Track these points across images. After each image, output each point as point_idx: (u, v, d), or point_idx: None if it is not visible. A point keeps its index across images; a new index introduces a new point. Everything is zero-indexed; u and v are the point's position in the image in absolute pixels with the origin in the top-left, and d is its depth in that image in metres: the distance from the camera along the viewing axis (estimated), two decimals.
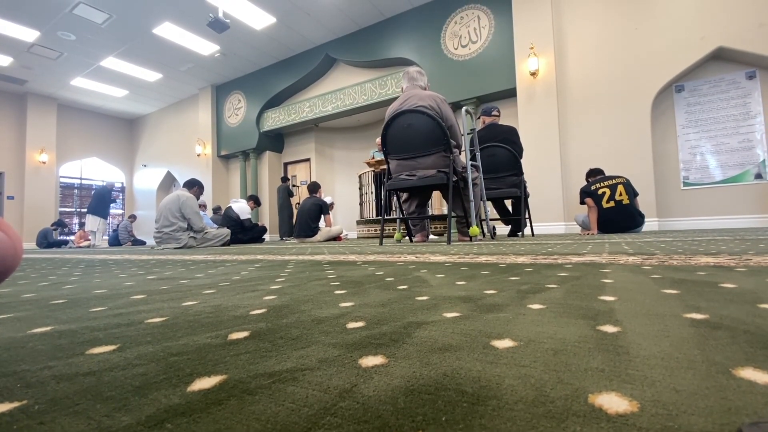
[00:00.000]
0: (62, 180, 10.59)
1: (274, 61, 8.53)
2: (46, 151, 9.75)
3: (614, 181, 3.79)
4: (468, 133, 3.21)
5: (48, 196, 9.83)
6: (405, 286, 0.75)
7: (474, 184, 3.01)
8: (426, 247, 2.21)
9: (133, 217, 9.87)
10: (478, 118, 4.24)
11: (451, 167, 2.68)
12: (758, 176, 4.61)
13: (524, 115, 5.50)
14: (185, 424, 0.22)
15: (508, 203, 4.28)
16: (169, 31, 7.08)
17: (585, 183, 4.13)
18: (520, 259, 1.22)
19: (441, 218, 4.90)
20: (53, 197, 9.94)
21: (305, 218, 5.53)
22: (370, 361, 0.32)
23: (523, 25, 5.54)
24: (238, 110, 9.31)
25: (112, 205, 8.83)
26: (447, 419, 0.21)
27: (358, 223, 6.18)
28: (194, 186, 4.64)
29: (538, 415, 0.21)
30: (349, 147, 9.32)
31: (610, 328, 0.40)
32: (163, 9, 6.48)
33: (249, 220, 5.97)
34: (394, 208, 4.83)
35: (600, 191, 3.78)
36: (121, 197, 11.86)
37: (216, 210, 7.92)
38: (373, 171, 5.75)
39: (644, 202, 4.42)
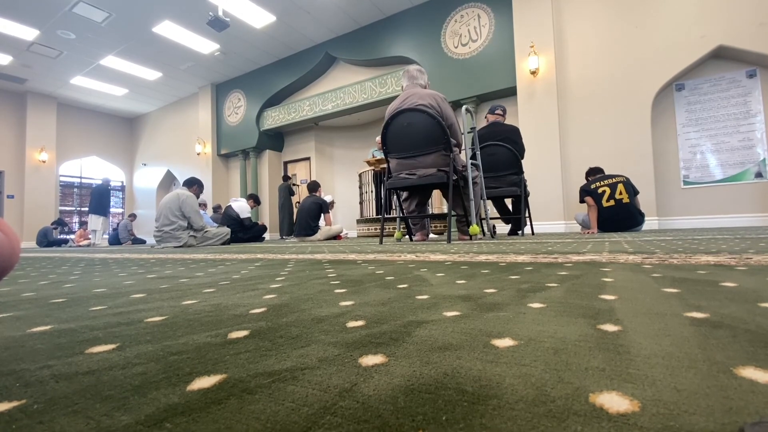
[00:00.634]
0: (62, 179, 10.59)
1: (274, 59, 8.52)
2: (46, 149, 9.74)
3: (614, 180, 3.79)
4: (468, 132, 3.21)
5: (48, 194, 9.82)
6: (405, 285, 0.75)
7: (474, 183, 3.01)
8: (426, 246, 2.21)
9: (133, 216, 9.87)
10: (486, 116, 4.23)
11: (451, 166, 2.67)
12: (758, 175, 4.60)
13: (524, 114, 5.49)
14: (185, 424, 0.22)
15: (508, 202, 4.28)
16: (168, 29, 7.07)
17: (585, 182, 4.13)
18: (520, 258, 1.22)
19: (441, 217, 4.90)
20: (53, 196, 9.94)
21: (305, 217, 5.53)
22: (370, 360, 0.32)
23: (523, 23, 5.53)
24: (238, 109, 9.30)
25: (112, 200, 8.82)
26: (447, 418, 0.21)
27: (358, 222, 6.18)
28: (194, 185, 4.64)
29: (538, 415, 0.21)
30: (349, 146, 9.32)
31: (610, 327, 0.39)
32: (163, 7, 6.47)
33: (249, 219, 5.97)
34: (394, 207, 4.83)
35: (600, 190, 3.78)
36: (120, 195, 11.86)
37: (216, 209, 7.92)
38: (373, 170, 5.74)
39: (644, 201, 4.41)
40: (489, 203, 3.80)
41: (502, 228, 5.29)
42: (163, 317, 0.53)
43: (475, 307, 0.52)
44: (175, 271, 1.28)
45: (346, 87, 7.58)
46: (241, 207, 5.94)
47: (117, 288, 0.88)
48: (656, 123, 5.06)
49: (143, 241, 9.38)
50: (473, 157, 3.36)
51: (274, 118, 8.77)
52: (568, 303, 0.52)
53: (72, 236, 9.52)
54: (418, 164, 2.80)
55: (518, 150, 3.81)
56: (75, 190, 11.03)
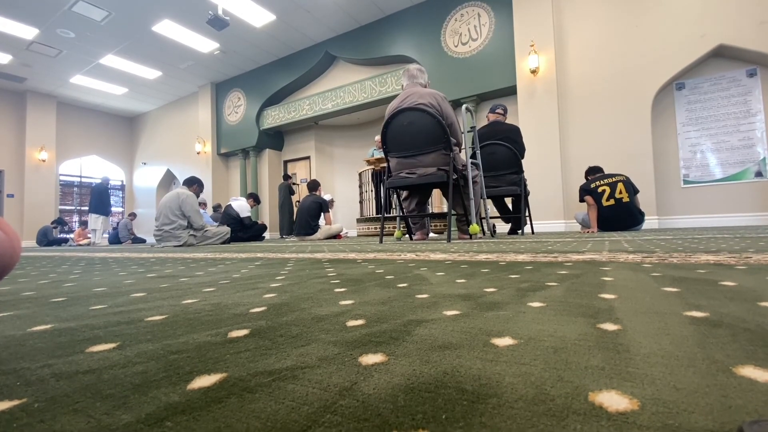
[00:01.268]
0: (62, 178, 10.58)
1: (273, 58, 8.51)
2: (46, 149, 9.74)
3: (614, 179, 3.79)
4: (468, 131, 3.20)
5: (48, 194, 9.82)
6: (405, 284, 0.75)
7: (474, 182, 3.01)
8: (426, 245, 2.21)
9: (133, 215, 9.86)
10: (487, 115, 4.23)
11: (451, 165, 2.67)
12: (758, 174, 4.60)
13: (524, 113, 5.49)
14: (185, 422, 0.22)
15: (508, 201, 4.28)
16: (168, 28, 7.06)
17: (584, 181, 4.13)
18: (520, 257, 1.22)
19: (441, 216, 4.90)
20: (53, 195, 9.94)
21: (305, 216, 5.53)
22: (370, 359, 0.32)
23: (523, 22, 5.52)
24: (237, 108, 9.29)
25: (111, 199, 8.81)
26: (447, 417, 0.21)
27: (358, 221, 6.18)
28: (194, 184, 4.64)
29: (538, 413, 0.21)
30: (349, 145, 9.31)
31: (610, 326, 0.39)
32: (163, 6, 6.46)
33: (249, 218, 5.97)
34: (394, 206, 4.84)
35: (600, 189, 3.78)
36: (120, 195, 11.86)
37: (216, 208, 7.91)
38: (373, 169, 5.74)
39: (644, 200, 4.42)
40: (489, 202, 3.80)
41: (502, 227, 5.29)
42: (164, 316, 0.53)
43: (475, 306, 0.52)
44: (175, 270, 1.28)
45: (346, 86, 7.58)
46: (241, 206, 5.94)
47: (117, 287, 0.88)
48: (656, 122, 5.06)
49: (143, 240, 9.38)
50: (473, 156, 3.36)
51: (274, 117, 8.77)
52: (568, 302, 0.52)
53: (71, 235, 9.52)
54: (418, 163, 2.80)
55: (518, 149, 3.81)
56: (75, 189, 11.03)
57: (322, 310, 0.54)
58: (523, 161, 3.84)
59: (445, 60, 6.27)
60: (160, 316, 0.53)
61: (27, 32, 7.02)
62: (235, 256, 1.90)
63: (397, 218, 3.38)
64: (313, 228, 5.55)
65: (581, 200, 3.93)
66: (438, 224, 5.17)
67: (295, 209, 6.70)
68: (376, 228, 5.69)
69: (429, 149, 2.75)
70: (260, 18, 6.84)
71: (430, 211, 4.10)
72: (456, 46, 6.19)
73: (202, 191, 4.79)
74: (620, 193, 3.71)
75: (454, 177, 2.70)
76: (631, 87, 4.96)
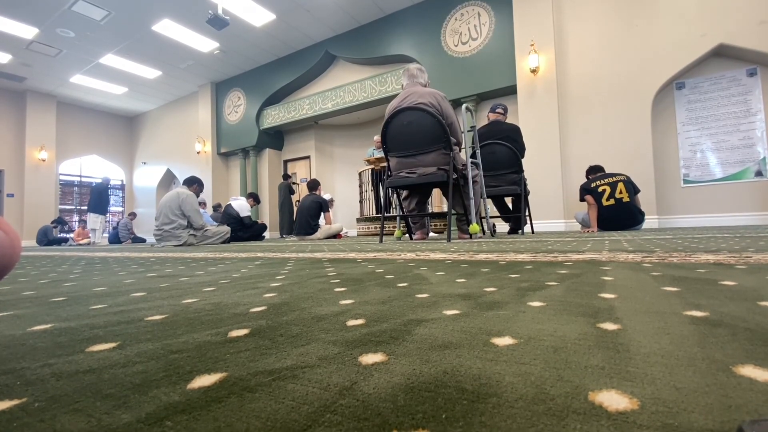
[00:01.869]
0: (62, 177, 10.58)
1: (273, 58, 8.51)
2: (46, 148, 9.74)
3: (615, 179, 3.79)
4: (468, 131, 3.20)
5: (48, 193, 9.82)
6: (405, 284, 0.75)
7: (474, 182, 3.01)
8: (426, 245, 2.21)
9: (133, 215, 9.87)
10: (487, 115, 4.23)
11: (451, 165, 2.67)
12: (758, 174, 4.60)
13: (524, 113, 5.49)
14: (185, 422, 0.22)
15: (508, 201, 4.28)
16: (168, 28, 7.05)
17: (585, 180, 4.13)
18: (520, 257, 1.22)
19: (441, 216, 4.90)
20: (53, 195, 9.94)
21: (305, 216, 5.53)
22: (370, 358, 0.32)
23: (523, 21, 5.52)
24: (237, 107, 9.29)
25: (111, 199, 8.81)
26: (447, 417, 0.21)
27: (358, 220, 6.18)
28: (194, 183, 4.64)
29: (538, 413, 0.21)
30: (349, 144, 9.31)
31: (610, 326, 0.39)
32: (163, 6, 6.46)
33: (249, 217, 5.97)
34: (394, 206, 4.84)
35: (600, 189, 3.78)
36: (120, 194, 11.86)
37: (216, 207, 7.92)
38: (373, 168, 5.74)
39: (644, 200, 4.41)
40: (489, 202, 3.80)
41: (502, 227, 5.29)
42: (164, 316, 0.53)
43: (475, 306, 0.52)
44: (175, 269, 1.28)
45: (346, 85, 7.57)
46: (241, 206, 5.95)
47: (117, 286, 0.88)
48: (656, 121, 5.06)
49: (143, 240, 9.38)
50: (473, 155, 3.36)
51: (274, 117, 8.76)
52: (568, 301, 0.52)
53: (71, 235, 9.52)
54: (418, 163, 2.80)
55: (518, 149, 3.81)
56: (75, 188, 11.03)
57: (322, 309, 0.54)
58: (523, 161, 3.84)
59: (445, 59, 6.27)
60: (160, 316, 0.53)
61: (27, 32, 7.01)
62: (235, 256, 1.90)
63: (397, 218, 3.38)
64: (313, 227, 5.55)
65: (581, 199, 3.93)
66: (438, 224, 5.17)
67: (295, 209, 6.70)
68: (376, 227, 5.69)
69: (429, 149, 2.75)
70: (260, 17, 6.83)
71: (430, 211, 4.10)
72: (456, 46, 6.19)
73: (202, 191, 4.79)
74: (620, 192, 3.71)
75: (454, 176, 2.70)
76: (631, 86, 4.96)
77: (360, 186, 6.29)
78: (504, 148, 3.75)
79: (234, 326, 0.45)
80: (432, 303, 0.55)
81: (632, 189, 3.75)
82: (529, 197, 4.30)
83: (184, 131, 10.41)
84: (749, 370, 0.27)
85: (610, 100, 5.06)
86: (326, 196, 6.27)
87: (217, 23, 6.21)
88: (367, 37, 7.21)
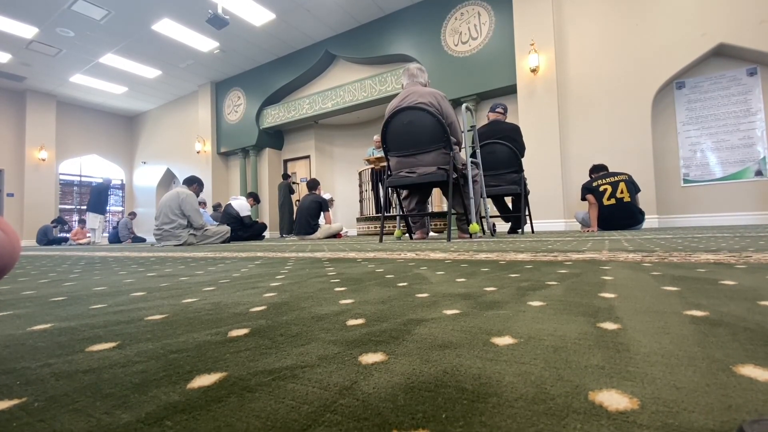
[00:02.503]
0: (62, 177, 10.58)
1: (273, 57, 8.50)
2: (46, 148, 9.73)
3: (616, 178, 3.79)
4: (468, 130, 3.20)
5: (48, 193, 9.82)
6: (405, 284, 0.75)
7: (474, 182, 3.01)
8: (426, 245, 2.21)
9: (133, 215, 9.87)
10: (487, 115, 4.23)
11: (451, 164, 2.67)
12: (758, 173, 4.60)
13: (524, 112, 5.49)
14: (185, 422, 0.22)
15: (508, 200, 4.28)
16: (168, 27, 7.05)
17: (587, 179, 4.13)
18: (520, 257, 1.22)
19: (441, 215, 4.90)
20: (53, 194, 9.94)
21: (305, 215, 5.53)
22: (370, 358, 0.32)
23: (523, 21, 5.52)
24: (237, 107, 9.29)
25: (111, 199, 8.82)
26: (447, 416, 0.21)
27: (358, 220, 6.18)
28: (194, 183, 4.63)
29: (538, 413, 0.21)
30: (349, 144, 9.31)
31: (610, 325, 0.39)
32: (162, 5, 6.45)
33: (249, 217, 5.97)
34: (393, 205, 4.83)
35: (602, 188, 3.78)
36: (120, 194, 11.86)
37: (216, 207, 7.92)
38: (372, 168, 5.74)
39: (644, 199, 4.42)
40: (489, 201, 3.80)
41: (502, 226, 5.29)
42: (164, 315, 0.53)
43: (475, 306, 0.52)
44: (175, 269, 1.28)
45: (346, 85, 7.57)
46: (241, 205, 5.94)
47: (117, 286, 0.88)
48: (656, 121, 5.06)
49: (143, 240, 9.38)
50: (473, 155, 3.35)
51: (274, 117, 8.76)
52: (568, 301, 0.52)
53: (71, 234, 9.52)
54: (418, 162, 2.80)
55: (518, 148, 3.81)
56: (75, 188, 11.03)
57: (322, 309, 0.54)
58: (523, 160, 3.83)
59: (445, 59, 6.27)
60: (160, 316, 0.53)
61: (26, 31, 7.00)
62: (235, 256, 1.90)
63: (397, 217, 3.38)
64: (313, 227, 5.55)
65: (583, 198, 3.93)
66: (438, 223, 5.17)
67: (295, 208, 6.70)
68: (375, 227, 5.69)
69: (429, 148, 2.74)
70: (260, 17, 6.83)
71: (430, 210, 4.10)
72: (456, 45, 6.18)
73: (201, 190, 4.78)
74: (621, 192, 3.71)
75: (454, 176, 2.70)
76: (631, 86, 4.96)
77: (360, 186, 6.29)
78: (504, 147, 3.75)
79: (234, 326, 0.45)
80: (432, 302, 0.55)
81: (633, 188, 3.76)
82: (529, 197, 4.29)
83: (184, 131, 10.41)
84: (749, 370, 0.27)
85: (610, 99, 5.06)
86: (326, 196, 6.26)
87: (216, 23, 6.20)
88: (367, 37, 7.21)
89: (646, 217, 4.02)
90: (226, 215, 5.81)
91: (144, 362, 0.33)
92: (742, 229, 2.99)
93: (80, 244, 8.65)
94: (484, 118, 5.43)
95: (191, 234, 4.35)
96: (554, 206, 5.23)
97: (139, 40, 7.46)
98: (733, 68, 4.74)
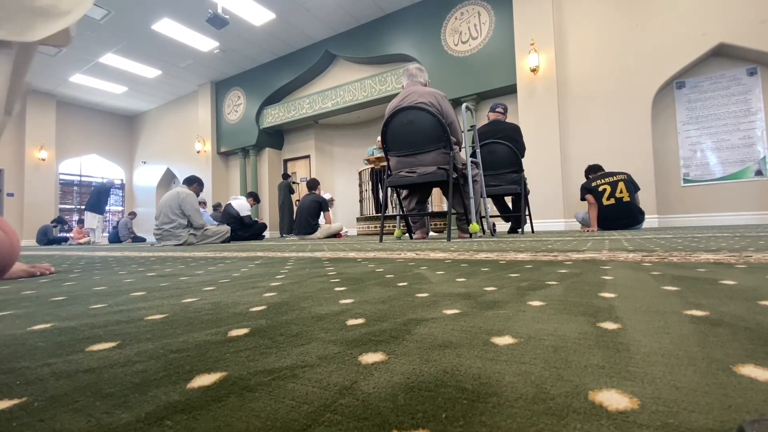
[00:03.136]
0: (62, 177, 10.58)
1: (273, 57, 8.50)
2: (46, 148, 9.73)
3: (615, 178, 3.79)
4: (468, 130, 3.20)
5: (48, 193, 9.82)
6: (405, 283, 0.75)
7: (474, 181, 3.01)
8: (426, 244, 2.21)
9: (133, 214, 9.87)
10: (487, 114, 4.23)
11: (451, 164, 2.67)
12: (758, 173, 4.60)
13: (524, 112, 5.49)
14: (185, 422, 0.22)
15: (508, 200, 4.28)
16: (168, 27, 7.05)
17: (585, 180, 4.13)
18: (520, 256, 1.22)
19: (441, 215, 4.90)
20: (53, 194, 9.94)
21: (305, 215, 5.53)
22: (370, 358, 0.32)
23: (523, 21, 5.52)
24: (237, 107, 9.29)
25: (111, 199, 8.83)
26: (447, 416, 0.21)
27: (358, 220, 6.18)
28: (194, 183, 4.64)
29: (538, 412, 0.21)
30: (349, 144, 9.31)
31: (610, 325, 0.39)
32: (162, 5, 6.46)
33: (249, 216, 5.97)
34: (393, 205, 4.83)
35: (601, 188, 3.78)
36: (120, 194, 11.86)
37: (216, 207, 7.92)
38: (373, 168, 5.74)
39: (644, 199, 4.42)
40: (489, 201, 3.80)
41: (502, 226, 5.29)
42: (164, 315, 0.53)
43: (475, 305, 0.52)
44: (175, 269, 1.28)
45: (346, 85, 7.57)
46: (241, 205, 5.94)
47: (117, 286, 0.88)
48: (656, 121, 5.06)
49: (143, 239, 9.39)
50: (473, 155, 3.35)
51: (274, 116, 8.76)
52: (568, 301, 0.52)
53: (71, 234, 9.53)
54: (418, 162, 2.80)
55: (519, 148, 3.81)
56: (75, 188, 11.03)
57: (322, 309, 0.54)
58: (523, 160, 3.83)
59: (445, 59, 6.27)
60: (160, 315, 0.53)
61: None
62: (235, 255, 1.90)
63: (397, 217, 3.38)
64: (313, 227, 5.56)
65: (582, 199, 3.93)
66: (438, 223, 5.17)
67: (295, 208, 6.70)
68: (376, 227, 5.69)
69: (429, 148, 2.74)
70: (260, 16, 6.83)
71: (430, 210, 4.10)
72: (456, 45, 6.18)
73: (201, 190, 4.79)
74: (621, 192, 3.71)
75: (454, 176, 2.70)
76: (631, 86, 4.96)
77: (360, 185, 6.29)
78: (504, 147, 3.75)
79: (234, 326, 0.45)
80: (432, 302, 0.55)
81: (633, 188, 3.76)
82: (529, 197, 4.30)
83: (183, 130, 10.41)
84: (749, 370, 0.27)
85: (610, 99, 5.06)
86: (326, 196, 6.27)
87: (216, 22, 6.20)
88: (367, 37, 7.21)
89: (646, 216, 4.02)
90: (226, 215, 5.81)
91: (144, 362, 0.33)
92: (742, 228, 2.99)
93: (80, 243, 8.66)
94: (484, 117, 5.43)
95: (191, 234, 4.35)
96: (554, 206, 5.23)
97: (139, 39, 7.46)
98: (733, 68, 4.74)
